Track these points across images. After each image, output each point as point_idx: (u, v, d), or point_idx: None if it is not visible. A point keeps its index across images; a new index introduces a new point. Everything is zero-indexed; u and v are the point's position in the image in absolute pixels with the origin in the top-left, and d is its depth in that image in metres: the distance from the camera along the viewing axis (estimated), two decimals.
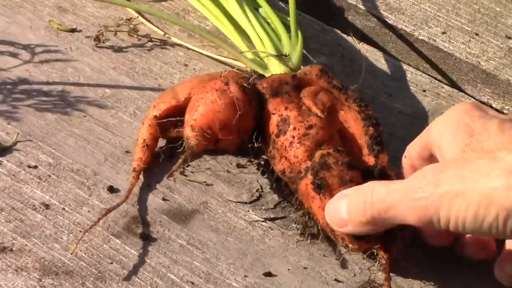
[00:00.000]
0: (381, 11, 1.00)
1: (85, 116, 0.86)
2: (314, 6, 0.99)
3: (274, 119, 0.79)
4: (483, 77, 0.95)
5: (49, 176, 0.80)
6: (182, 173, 0.82)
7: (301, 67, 0.86)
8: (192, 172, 0.82)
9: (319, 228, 0.76)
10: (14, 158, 0.81)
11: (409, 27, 0.98)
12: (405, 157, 0.76)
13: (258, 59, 0.87)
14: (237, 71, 0.86)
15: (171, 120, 0.81)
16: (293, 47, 0.87)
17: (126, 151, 0.83)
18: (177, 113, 0.82)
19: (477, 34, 0.97)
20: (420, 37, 0.97)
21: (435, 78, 0.96)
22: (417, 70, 0.96)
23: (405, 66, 0.96)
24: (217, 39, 0.89)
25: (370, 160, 0.78)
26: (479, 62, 0.95)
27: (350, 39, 0.98)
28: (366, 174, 0.75)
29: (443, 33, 0.98)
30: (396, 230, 0.72)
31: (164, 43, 0.94)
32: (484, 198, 0.61)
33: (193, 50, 0.93)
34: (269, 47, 0.86)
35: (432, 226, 0.65)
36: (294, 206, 0.78)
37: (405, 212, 0.65)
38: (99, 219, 0.74)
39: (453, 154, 0.66)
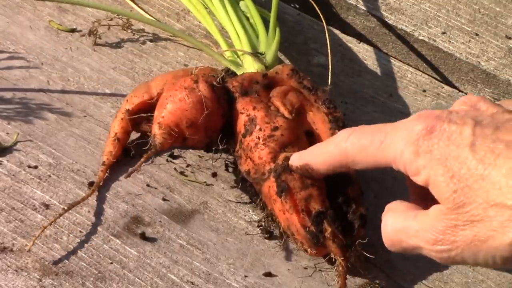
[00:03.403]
0: (381, 11, 1.00)
1: (85, 116, 0.86)
2: (314, 6, 0.98)
3: (242, 119, 0.78)
4: (483, 77, 0.95)
5: (49, 176, 0.80)
6: (182, 173, 0.82)
7: (276, 65, 0.85)
8: (192, 172, 0.82)
9: (281, 230, 0.76)
10: (14, 158, 0.81)
11: (409, 27, 0.98)
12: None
13: (235, 56, 0.87)
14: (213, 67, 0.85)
15: (142, 116, 0.81)
16: (269, 45, 0.86)
17: None
18: (150, 107, 0.82)
19: (477, 34, 0.97)
20: (420, 37, 0.97)
21: (435, 78, 0.96)
22: (417, 70, 0.96)
23: (405, 66, 0.96)
24: (188, 36, 0.89)
25: None
26: (479, 62, 0.95)
27: (350, 39, 0.98)
28: (328, 178, 0.74)
29: (443, 33, 0.97)
30: (353, 236, 0.72)
31: (164, 42, 0.94)
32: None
33: (194, 48, 0.93)
34: (246, 44, 0.86)
35: None
36: (258, 207, 0.78)
37: None
38: (60, 214, 0.75)
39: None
